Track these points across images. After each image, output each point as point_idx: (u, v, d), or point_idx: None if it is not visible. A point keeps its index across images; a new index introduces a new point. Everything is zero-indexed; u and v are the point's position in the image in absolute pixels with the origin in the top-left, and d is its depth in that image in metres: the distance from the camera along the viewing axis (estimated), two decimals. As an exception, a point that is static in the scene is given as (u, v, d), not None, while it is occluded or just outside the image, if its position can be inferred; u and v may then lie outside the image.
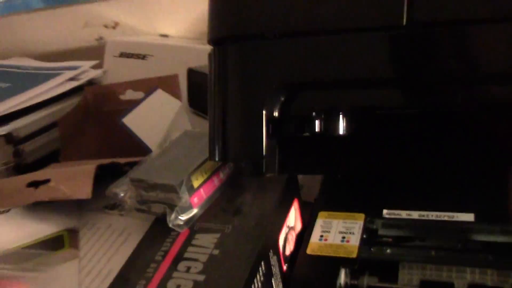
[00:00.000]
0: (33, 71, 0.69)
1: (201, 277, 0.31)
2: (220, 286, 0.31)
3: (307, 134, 0.29)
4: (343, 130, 0.29)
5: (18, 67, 0.72)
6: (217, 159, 0.31)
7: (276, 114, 0.29)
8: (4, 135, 0.53)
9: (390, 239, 0.38)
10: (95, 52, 0.76)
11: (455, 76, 0.28)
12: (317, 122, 0.29)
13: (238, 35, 0.29)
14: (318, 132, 0.29)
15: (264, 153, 0.29)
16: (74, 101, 0.60)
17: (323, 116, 0.29)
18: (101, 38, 0.78)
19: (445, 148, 0.34)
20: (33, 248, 0.43)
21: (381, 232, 0.39)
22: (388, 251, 0.37)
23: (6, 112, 0.54)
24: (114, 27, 0.77)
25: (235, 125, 0.31)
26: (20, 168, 0.54)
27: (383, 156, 0.31)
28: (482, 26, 0.28)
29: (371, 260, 0.37)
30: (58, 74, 0.64)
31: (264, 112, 0.29)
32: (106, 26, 0.77)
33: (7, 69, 0.72)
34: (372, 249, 0.37)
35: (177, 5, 0.74)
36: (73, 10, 0.79)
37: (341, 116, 0.28)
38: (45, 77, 0.65)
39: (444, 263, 0.36)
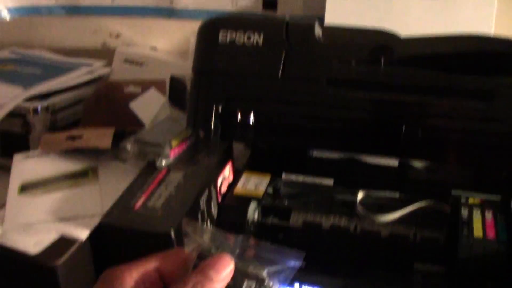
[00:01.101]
0: (55, 63, 0.85)
1: (173, 192, 0.51)
2: (183, 197, 0.49)
3: (234, 121, 0.56)
4: (252, 122, 0.56)
5: (43, 58, 0.87)
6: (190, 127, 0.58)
7: (219, 110, 0.56)
8: (46, 107, 0.70)
9: (287, 194, 0.55)
10: (99, 54, 0.92)
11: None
12: (239, 115, 0.56)
13: (204, 70, 0.58)
14: (239, 121, 0.56)
15: (212, 128, 0.57)
16: (89, 88, 0.77)
17: (242, 114, 0.56)
18: (105, 43, 0.94)
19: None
20: (66, 176, 0.57)
21: (282, 189, 0.56)
22: (286, 202, 0.54)
23: (46, 92, 0.72)
24: (116, 37, 0.92)
25: (201, 112, 0.58)
26: (53, 130, 0.69)
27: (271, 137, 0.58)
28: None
29: (275, 207, 0.53)
30: (77, 68, 0.81)
31: (214, 108, 0.56)
32: (110, 35, 0.93)
33: (35, 59, 0.87)
34: (276, 200, 0.54)
35: (164, 26, 0.90)
36: (86, 19, 0.93)
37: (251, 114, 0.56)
38: (67, 68, 0.81)
39: (318, 212, 0.51)
